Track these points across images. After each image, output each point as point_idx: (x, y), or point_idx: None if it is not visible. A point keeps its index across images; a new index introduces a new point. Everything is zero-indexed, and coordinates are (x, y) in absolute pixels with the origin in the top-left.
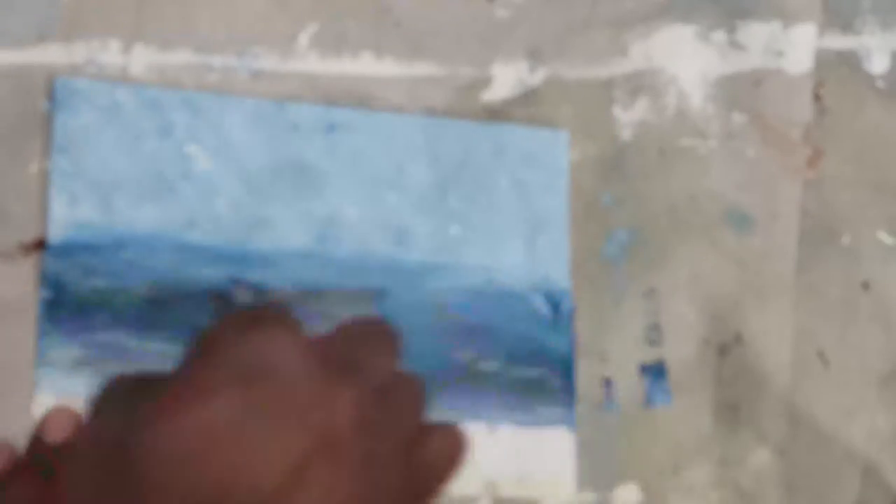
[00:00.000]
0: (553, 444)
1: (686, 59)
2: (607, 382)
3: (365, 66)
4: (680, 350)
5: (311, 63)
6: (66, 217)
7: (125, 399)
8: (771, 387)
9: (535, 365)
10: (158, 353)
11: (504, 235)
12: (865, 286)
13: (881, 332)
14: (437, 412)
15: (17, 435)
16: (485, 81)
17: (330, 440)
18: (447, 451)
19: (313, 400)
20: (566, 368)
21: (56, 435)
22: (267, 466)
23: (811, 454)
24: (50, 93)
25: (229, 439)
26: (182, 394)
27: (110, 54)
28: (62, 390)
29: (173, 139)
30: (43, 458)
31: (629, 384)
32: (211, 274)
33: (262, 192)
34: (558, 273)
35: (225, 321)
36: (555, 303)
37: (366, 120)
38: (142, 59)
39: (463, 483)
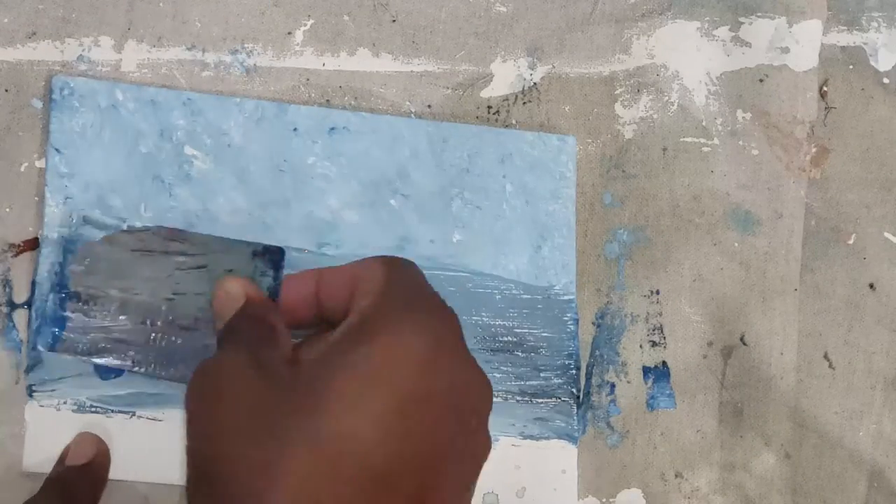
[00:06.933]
0: (555, 458)
1: (689, 56)
2: (609, 385)
3: (362, 62)
4: (683, 352)
5: (307, 60)
6: (60, 216)
7: None
8: (776, 390)
9: (538, 378)
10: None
11: (509, 243)
12: (872, 287)
13: (888, 333)
14: None
15: (11, 435)
16: (484, 78)
17: None
18: None
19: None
20: (570, 381)
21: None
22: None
23: (817, 458)
24: (41, 90)
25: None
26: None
27: (102, 51)
28: (55, 390)
29: (172, 140)
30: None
31: (632, 387)
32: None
33: (262, 194)
34: (564, 282)
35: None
36: (559, 313)
37: (367, 123)
38: (134, 56)
39: None
